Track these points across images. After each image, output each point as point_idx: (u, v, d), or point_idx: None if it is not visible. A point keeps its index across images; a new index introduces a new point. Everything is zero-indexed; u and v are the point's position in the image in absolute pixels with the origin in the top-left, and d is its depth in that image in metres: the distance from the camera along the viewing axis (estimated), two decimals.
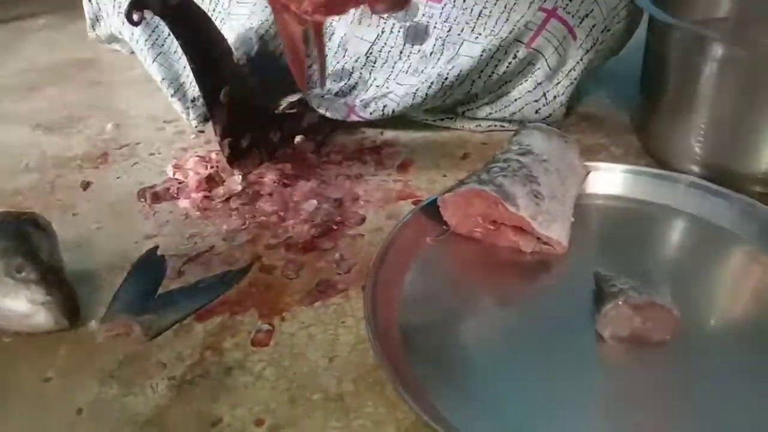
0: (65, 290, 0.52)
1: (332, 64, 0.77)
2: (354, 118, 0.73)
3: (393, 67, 0.75)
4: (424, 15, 0.73)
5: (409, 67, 0.74)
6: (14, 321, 0.51)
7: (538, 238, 0.55)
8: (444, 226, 0.58)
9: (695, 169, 0.64)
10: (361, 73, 0.77)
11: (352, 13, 0.75)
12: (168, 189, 0.68)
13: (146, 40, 0.83)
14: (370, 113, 0.72)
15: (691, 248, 0.58)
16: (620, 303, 0.46)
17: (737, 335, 0.48)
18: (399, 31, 0.74)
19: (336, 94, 0.77)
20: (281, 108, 0.73)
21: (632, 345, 0.47)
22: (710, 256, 0.56)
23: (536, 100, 0.72)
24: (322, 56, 0.64)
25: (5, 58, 1.07)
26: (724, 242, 0.57)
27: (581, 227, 0.57)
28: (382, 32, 0.75)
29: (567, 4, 0.70)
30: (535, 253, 0.56)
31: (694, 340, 0.47)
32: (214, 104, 0.65)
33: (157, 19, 0.62)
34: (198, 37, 0.61)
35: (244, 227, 0.63)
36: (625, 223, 0.60)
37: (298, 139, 0.74)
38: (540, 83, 0.72)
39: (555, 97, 0.73)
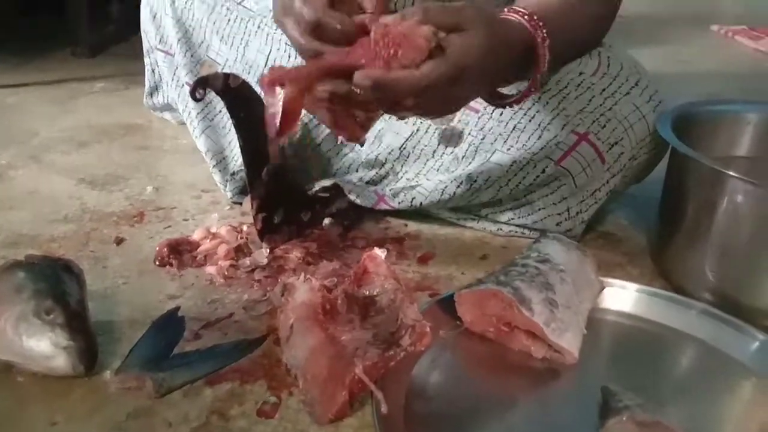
0: (87, 337, 0.54)
1: (366, 153, 0.81)
2: (382, 206, 0.76)
3: (425, 164, 0.79)
4: (460, 121, 0.77)
5: (440, 166, 0.78)
6: (33, 361, 0.52)
7: (550, 345, 0.56)
8: (458, 322, 0.59)
9: (708, 296, 0.65)
10: (393, 165, 0.80)
11: None
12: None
13: (198, 113, 0.89)
14: (399, 203, 0.75)
15: (698, 373, 0.58)
16: (625, 419, 0.47)
17: None
18: (435, 132, 0.78)
19: (367, 182, 0.81)
20: (314, 190, 0.77)
21: None
22: (717, 383, 0.56)
23: (559, 213, 0.74)
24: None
25: (61, 114, 1.14)
26: (731, 371, 0.57)
27: (592, 340, 0.58)
28: (417, 130, 0.79)
29: (598, 131, 0.72)
30: (545, 360, 0.56)
31: None
32: (255, 180, 0.69)
33: (212, 94, 0.67)
34: (251, 117, 0.66)
35: (264, 299, 0.65)
36: (635, 342, 0.61)
37: (326, 221, 0.77)
38: (565, 198, 0.74)
39: (578, 213, 0.74)
